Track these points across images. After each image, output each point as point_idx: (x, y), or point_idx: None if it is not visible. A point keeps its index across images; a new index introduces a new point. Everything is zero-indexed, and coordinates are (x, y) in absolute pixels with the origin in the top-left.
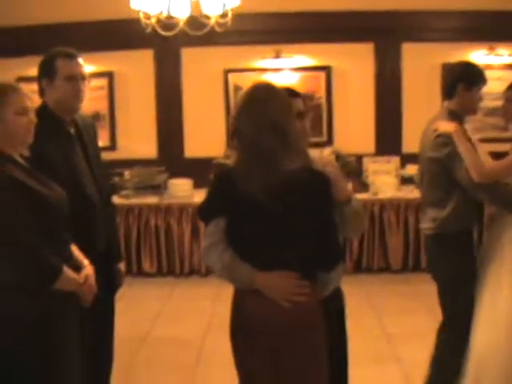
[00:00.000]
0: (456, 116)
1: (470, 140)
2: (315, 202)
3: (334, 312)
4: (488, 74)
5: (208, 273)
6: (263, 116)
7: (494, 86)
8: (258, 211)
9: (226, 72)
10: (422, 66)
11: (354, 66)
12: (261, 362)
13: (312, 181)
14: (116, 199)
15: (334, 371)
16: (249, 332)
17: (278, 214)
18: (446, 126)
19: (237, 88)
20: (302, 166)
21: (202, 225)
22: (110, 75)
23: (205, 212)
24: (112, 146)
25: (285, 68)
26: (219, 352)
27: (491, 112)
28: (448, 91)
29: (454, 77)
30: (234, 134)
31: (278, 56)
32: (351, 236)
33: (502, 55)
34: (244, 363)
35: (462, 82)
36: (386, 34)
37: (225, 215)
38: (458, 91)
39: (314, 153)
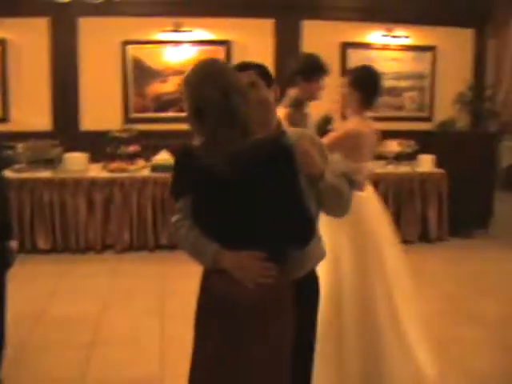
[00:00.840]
0: (297, 102)
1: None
2: (278, 174)
3: (307, 296)
4: (385, 54)
5: (104, 248)
6: (229, 84)
7: (390, 66)
8: (220, 186)
9: (125, 44)
10: (322, 43)
11: (253, 41)
12: (222, 345)
13: (273, 152)
14: (8, 173)
15: (300, 356)
16: (212, 313)
17: (240, 188)
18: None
19: (136, 60)
20: (264, 137)
21: (98, 199)
22: (2, 43)
23: (173, 189)
24: (4, 118)
25: (184, 41)
26: (116, 330)
27: (387, 91)
28: (289, 81)
29: (293, 69)
30: (196, 111)
31: (177, 29)
32: (333, 215)
33: (399, 36)
34: (202, 345)
35: (301, 74)
36: (286, 11)
37: (192, 192)
38: (297, 82)
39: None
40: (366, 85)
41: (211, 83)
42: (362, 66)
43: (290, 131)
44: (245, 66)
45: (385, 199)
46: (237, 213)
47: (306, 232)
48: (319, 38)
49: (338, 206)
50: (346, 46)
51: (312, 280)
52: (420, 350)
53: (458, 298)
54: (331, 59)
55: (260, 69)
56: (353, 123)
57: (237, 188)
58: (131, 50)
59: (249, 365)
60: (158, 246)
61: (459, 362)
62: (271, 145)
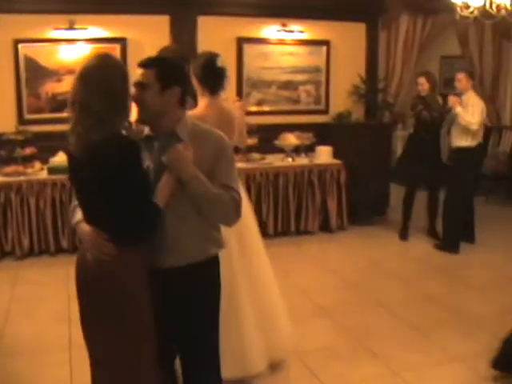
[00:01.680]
0: None
1: None
2: (117, 170)
3: (204, 283)
4: (281, 49)
5: (3, 256)
6: (96, 82)
7: (286, 61)
8: (76, 170)
9: (16, 42)
10: (218, 39)
11: (149, 37)
12: (84, 317)
13: (115, 150)
14: None
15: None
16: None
17: (87, 173)
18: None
19: (28, 59)
20: (112, 134)
21: None
22: None
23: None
24: None
25: (79, 39)
26: (21, 340)
27: (284, 86)
28: None
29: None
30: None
31: (71, 27)
32: (217, 223)
33: (293, 31)
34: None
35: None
36: (182, 7)
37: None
38: None
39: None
40: (197, 71)
41: (84, 80)
42: (198, 54)
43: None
44: (148, 63)
45: (285, 192)
46: (86, 195)
47: (142, 224)
48: (215, 33)
49: (214, 216)
50: (241, 41)
51: (209, 267)
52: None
53: (361, 285)
54: (227, 54)
55: (161, 69)
56: (197, 108)
57: (85, 173)
58: (23, 49)
59: (100, 339)
60: (59, 250)
61: (368, 347)
62: (115, 142)
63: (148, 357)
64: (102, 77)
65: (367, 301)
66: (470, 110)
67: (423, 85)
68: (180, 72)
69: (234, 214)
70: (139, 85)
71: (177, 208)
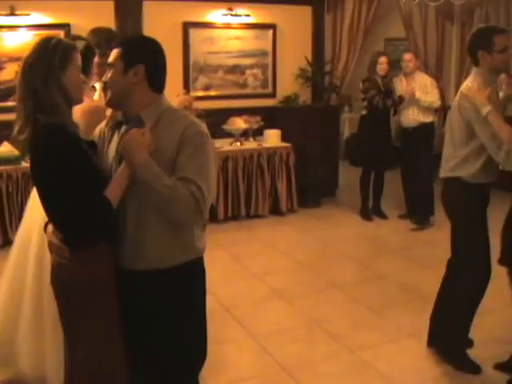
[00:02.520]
0: None
1: None
2: (43, 162)
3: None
4: (227, 33)
5: None
6: (39, 71)
7: (233, 45)
8: None
9: None
10: (163, 24)
11: (93, 23)
12: None
13: (36, 140)
14: None
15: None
16: None
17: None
18: None
19: None
20: (50, 122)
21: None
22: None
23: None
24: None
25: (21, 26)
26: None
27: (231, 70)
28: None
29: None
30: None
31: (13, 13)
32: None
33: (240, 15)
34: None
35: None
36: None
37: None
38: None
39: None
40: None
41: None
42: None
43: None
44: (118, 42)
45: (234, 176)
46: (37, 191)
47: (90, 222)
48: (161, 18)
49: (167, 213)
50: (187, 26)
51: (177, 276)
52: None
53: (314, 267)
54: (174, 39)
55: (125, 47)
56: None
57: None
58: None
59: (70, 338)
60: (7, 243)
61: (324, 327)
62: (49, 130)
63: (111, 358)
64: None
65: (321, 282)
66: (428, 90)
67: (383, 64)
68: (144, 50)
69: (192, 213)
70: (107, 66)
71: (135, 205)
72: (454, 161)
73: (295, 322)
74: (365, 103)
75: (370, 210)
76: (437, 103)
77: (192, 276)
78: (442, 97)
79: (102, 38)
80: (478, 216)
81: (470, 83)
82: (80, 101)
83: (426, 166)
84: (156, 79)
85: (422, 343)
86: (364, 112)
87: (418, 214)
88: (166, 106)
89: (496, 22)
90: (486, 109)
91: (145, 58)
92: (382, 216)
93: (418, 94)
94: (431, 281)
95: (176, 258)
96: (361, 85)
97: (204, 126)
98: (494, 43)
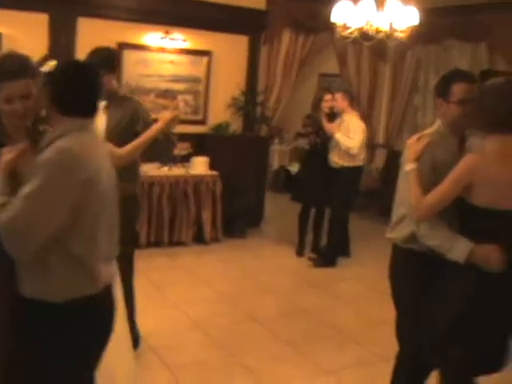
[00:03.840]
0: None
1: None
2: None
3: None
4: (162, 56)
5: None
6: None
7: (167, 69)
8: None
9: None
10: (98, 42)
11: (27, 35)
12: None
13: None
14: None
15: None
16: None
17: None
18: None
19: None
20: None
21: None
22: None
23: None
24: None
25: None
26: None
27: (163, 94)
28: None
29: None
30: None
31: None
32: None
33: (176, 39)
34: None
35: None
36: (62, 7)
37: None
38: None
39: None
40: None
41: None
42: None
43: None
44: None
45: (159, 202)
46: None
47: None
48: (96, 36)
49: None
50: (122, 47)
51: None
52: None
53: (235, 298)
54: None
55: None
56: None
57: None
58: None
59: None
60: None
61: (241, 361)
62: None
63: None
64: None
65: (241, 314)
66: (350, 135)
67: (328, 101)
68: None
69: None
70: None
71: None
72: (393, 220)
73: (212, 354)
74: (305, 139)
75: (313, 246)
76: (353, 150)
77: (74, 313)
78: (371, 135)
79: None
80: (412, 288)
81: (427, 131)
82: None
83: (345, 206)
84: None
85: (339, 381)
86: (306, 147)
87: (329, 253)
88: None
89: (426, 65)
90: (410, 165)
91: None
92: (319, 252)
93: (338, 135)
94: (351, 317)
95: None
96: (303, 119)
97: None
98: (451, 91)
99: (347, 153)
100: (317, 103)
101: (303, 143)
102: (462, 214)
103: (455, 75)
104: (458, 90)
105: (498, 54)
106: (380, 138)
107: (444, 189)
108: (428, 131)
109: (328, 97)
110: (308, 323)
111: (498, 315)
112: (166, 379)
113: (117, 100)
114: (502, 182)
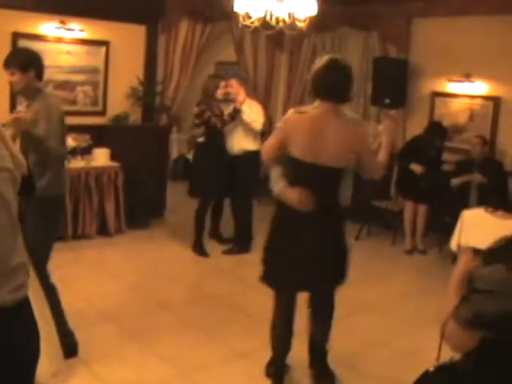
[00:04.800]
0: None
1: None
2: None
3: None
4: (59, 47)
5: None
6: None
7: (64, 60)
8: None
9: None
10: None
11: None
12: None
13: None
14: None
15: None
16: None
17: None
18: None
19: None
20: None
21: None
22: None
23: None
24: None
25: None
26: None
27: (61, 86)
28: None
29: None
30: None
31: None
32: None
33: (73, 29)
34: None
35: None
36: None
37: None
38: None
39: None
40: None
41: None
42: None
43: None
44: None
45: None
46: None
47: None
48: None
49: None
50: (17, 36)
51: None
52: None
53: (143, 288)
54: (1, 49)
55: None
56: None
57: None
58: None
59: None
60: None
61: (155, 350)
62: None
63: None
64: None
65: (150, 303)
66: (252, 116)
67: (222, 88)
68: None
69: None
70: None
71: None
72: None
73: (126, 345)
74: (201, 130)
75: (211, 233)
76: (257, 124)
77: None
78: (269, 123)
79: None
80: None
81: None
82: None
83: (251, 191)
84: None
85: (253, 363)
86: (201, 139)
87: (238, 239)
88: None
89: (322, 53)
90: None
91: None
92: (220, 238)
93: (245, 107)
94: (258, 301)
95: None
96: (195, 109)
97: None
98: None
99: (249, 134)
100: (207, 90)
101: (198, 134)
102: (287, 163)
103: None
104: None
105: (388, 43)
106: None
107: (269, 141)
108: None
109: (223, 83)
110: (217, 308)
111: (292, 244)
112: (82, 373)
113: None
114: (306, 140)
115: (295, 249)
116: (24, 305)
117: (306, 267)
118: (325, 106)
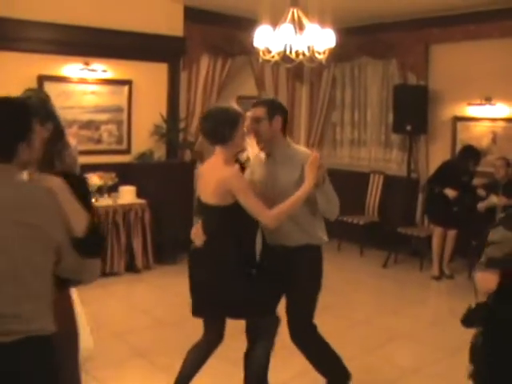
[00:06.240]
0: None
1: None
2: None
3: None
4: (83, 87)
5: None
6: None
7: (88, 100)
8: None
9: None
10: (18, 76)
11: None
12: None
13: None
14: None
15: None
16: None
17: None
18: None
19: None
20: None
21: None
22: None
23: None
24: None
25: None
26: None
27: (86, 125)
28: None
29: None
30: None
31: None
32: None
33: (96, 70)
34: None
35: None
36: None
37: None
38: None
39: None
40: None
41: None
42: None
43: None
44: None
45: None
46: None
47: None
48: (15, 70)
49: None
50: (42, 79)
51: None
52: None
53: (174, 323)
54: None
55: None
56: None
57: None
58: None
59: None
60: None
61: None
62: None
63: None
64: None
65: (182, 339)
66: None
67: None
68: None
69: None
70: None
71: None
72: None
73: (158, 381)
74: None
75: None
76: None
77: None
78: None
79: None
80: None
81: None
82: None
83: None
84: None
85: None
86: None
87: None
88: None
89: (341, 83)
90: None
91: None
92: None
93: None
94: None
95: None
96: None
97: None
98: None
99: None
100: None
101: None
102: None
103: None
104: None
105: (407, 70)
106: None
107: None
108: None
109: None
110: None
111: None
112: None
113: None
114: (202, 182)
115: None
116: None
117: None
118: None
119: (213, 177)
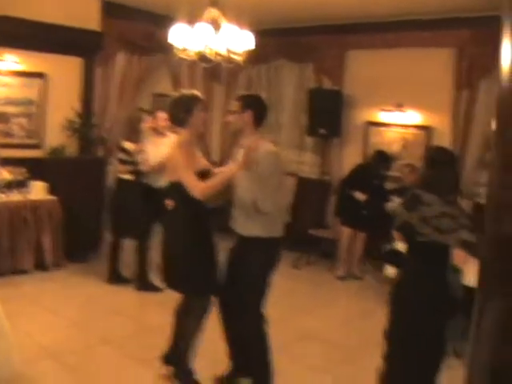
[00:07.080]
0: None
1: None
2: None
3: None
4: None
5: None
6: None
7: (0, 92)
8: None
9: None
10: None
11: None
12: None
13: None
14: None
15: None
16: None
17: None
18: None
19: None
20: None
21: None
22: None
23: None
24: None
25: None
26: None
27: None
28: None
29: None
30: None
31: None
32: None
33: (8, 61)
34: None
35: None
36: None
37: None
38: None
39: None
40: None
41: None
42: None
43: None
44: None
45: None
46: None
47: None
48: None
49: None
50: None
51: None
52: None
53: (82, 323)
54: None
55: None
56: None
57: None
58: None
59: None
60: None
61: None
62: None
63: None
64: None
65: (91, 338)
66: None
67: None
68: None
69: None
70: None
71: None
72: None
73: (68, 381)
74: (129, 167)
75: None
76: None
77: None
78: (207, 155)
79: None
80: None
81: None
82: None
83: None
84: None
85: None
86: (127, 176)
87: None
88: None
89: (257, 85)
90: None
91: None
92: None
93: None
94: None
95: None
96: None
97: None
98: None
99: None
100: (131, 123)
101: (123, 171)
102: None
103: None
104: None
105: (323, 74)
106: (216, 156)
107: None
108: None
109: (147, 118)
110: (159, 340)
111: None
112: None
113: None
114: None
115: None
116: None
117: None
118: None
119: (169, 156)
